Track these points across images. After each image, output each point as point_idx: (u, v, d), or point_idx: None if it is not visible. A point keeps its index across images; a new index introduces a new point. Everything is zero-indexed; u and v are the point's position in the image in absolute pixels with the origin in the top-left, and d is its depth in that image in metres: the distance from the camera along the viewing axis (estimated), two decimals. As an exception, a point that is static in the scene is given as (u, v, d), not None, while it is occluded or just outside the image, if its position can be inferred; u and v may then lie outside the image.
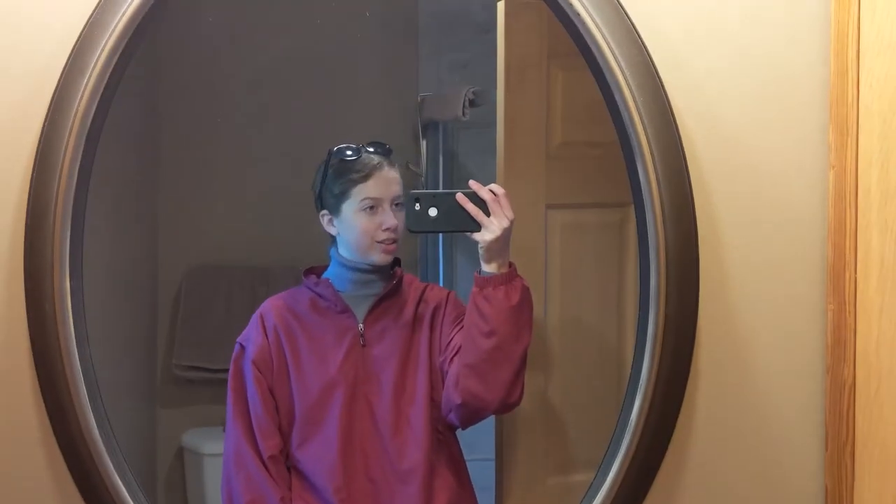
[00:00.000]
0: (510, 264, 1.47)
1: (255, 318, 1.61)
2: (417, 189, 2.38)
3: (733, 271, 1.50)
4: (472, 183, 1.45)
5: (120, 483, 1.42)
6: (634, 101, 1.44)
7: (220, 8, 2.28)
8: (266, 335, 1.59)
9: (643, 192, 1.44)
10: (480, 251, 1.46)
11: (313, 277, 1.63)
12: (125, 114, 2.17)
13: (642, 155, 1.44)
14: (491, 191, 1.44)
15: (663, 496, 1.52)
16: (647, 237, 1.45)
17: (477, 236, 1.44)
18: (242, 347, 1.60)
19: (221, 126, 2.35)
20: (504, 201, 1.43)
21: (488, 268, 1.46)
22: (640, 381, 1.44)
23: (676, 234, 1.45)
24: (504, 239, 1.44)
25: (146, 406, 2.40)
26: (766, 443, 1.52)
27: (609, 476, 1.46)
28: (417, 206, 1.45)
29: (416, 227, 1.47)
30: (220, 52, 2.32)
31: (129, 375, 2.32)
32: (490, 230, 1.43)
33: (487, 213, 1.43)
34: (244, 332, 1.61)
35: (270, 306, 1.62)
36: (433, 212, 1.45)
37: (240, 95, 2.36)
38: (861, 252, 1.43)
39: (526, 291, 1.48)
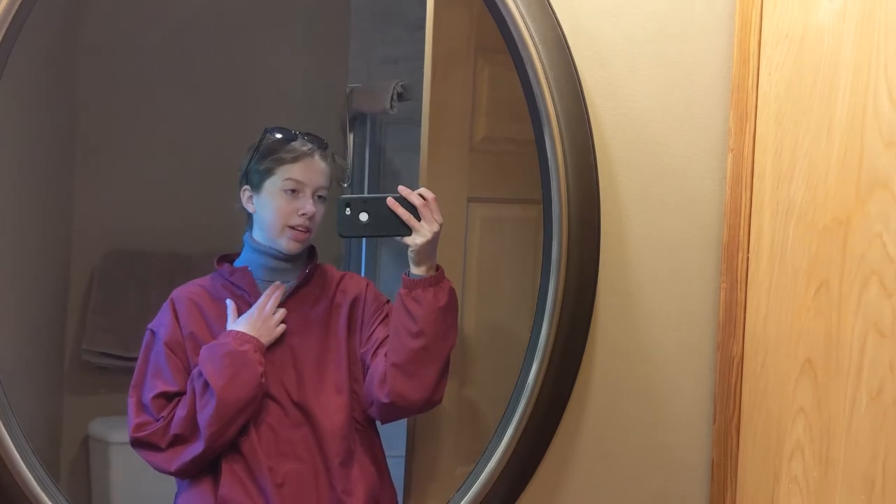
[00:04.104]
0: (437, 267, 1.49)
1: (165, 304, 1.59)
2: (343, 187, 2.39)
3: (633, 247, 1.53)
4: (401, 188, 1.46)
5: (6, 435, 1.39)
6: (545, 74, 1.47)
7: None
8: (178, 320, 1.57)
9: (549, 163, 1.47)
10: (410, 254, 1.47)
11: (227, 266, 1.62)
12: (38, 86, 2.13)
13: (550, 127, 1.47)
14: (420, 195, 1.45)
15: (558, 460, 1.54)
16: (551, 207, 1.48)
17: (408, 240, 1.46)
18: (153, 333, 1.58)
19: (145, 110, 2.32)
20: (434, 205, 1.45)
21: (417, 270, 1.48)
22: (539, 346, 1.46)
23: (580, 206, 1.48)
24: (434, 242, 1.46)
25: (52, 392, 2.33)
26: (659, 413, 1.55)
27: (504, 438, 1.47)
28: (348, 211, 1.45)
29: (347, 232, 1.46)
30: (142, 34, 2.30)
31: (35, 359, 2.24)
32: (421, 234, 1.45)
33: (418, 218, 1.45)
34: (155, 320, 1.59)
35: (182, 293, 1.60)
36: (364, 217, 1.45)
37: (164, 77, 2.33)
38: (754, 233, 1.47)
39: (452, 293, 1.50)
